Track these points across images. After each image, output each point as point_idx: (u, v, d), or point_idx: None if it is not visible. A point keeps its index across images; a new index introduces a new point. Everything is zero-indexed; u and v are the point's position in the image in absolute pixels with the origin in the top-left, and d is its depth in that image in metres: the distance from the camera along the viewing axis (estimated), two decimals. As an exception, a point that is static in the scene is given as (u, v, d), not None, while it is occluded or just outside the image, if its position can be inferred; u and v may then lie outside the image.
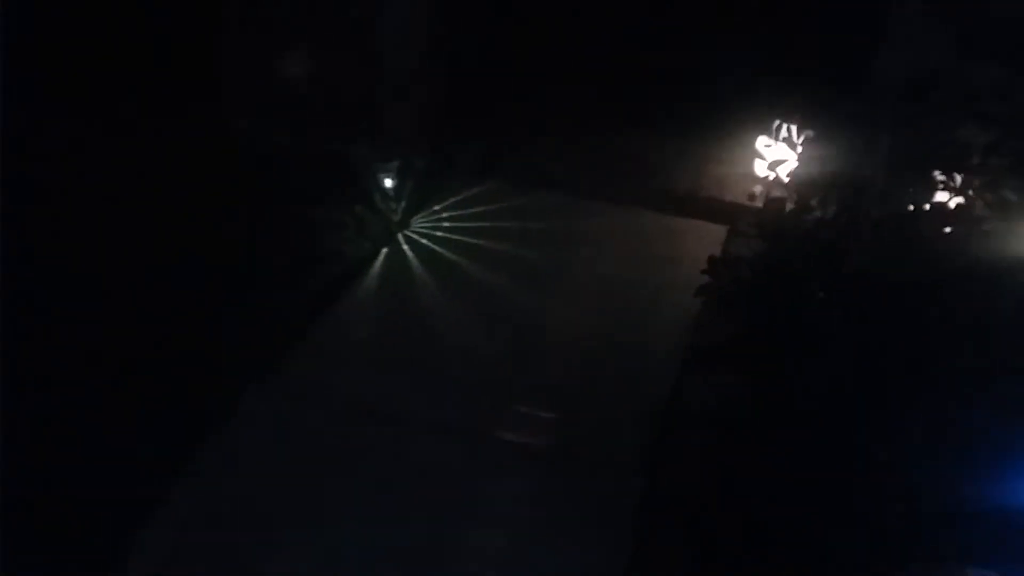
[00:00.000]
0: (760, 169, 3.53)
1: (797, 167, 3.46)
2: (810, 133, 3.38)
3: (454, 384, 2.89)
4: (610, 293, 3.31)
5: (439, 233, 3.51)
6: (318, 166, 3.49)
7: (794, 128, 3.38)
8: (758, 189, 3.68)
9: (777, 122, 3.40)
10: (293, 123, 3.67)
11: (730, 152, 3.83)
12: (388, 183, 3.43)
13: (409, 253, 3.40)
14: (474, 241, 3.46)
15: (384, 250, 3.40)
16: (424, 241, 3.46)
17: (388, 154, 3.55)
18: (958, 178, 2.60)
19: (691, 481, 2.77)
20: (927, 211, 2.64)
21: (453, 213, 3.62)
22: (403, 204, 3.56)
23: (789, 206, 3.55)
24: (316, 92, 3.65)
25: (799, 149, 3.41)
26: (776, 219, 3.00)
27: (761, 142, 3.49)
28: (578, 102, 4.10)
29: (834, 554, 2.38)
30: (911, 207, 2.68)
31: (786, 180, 3.49)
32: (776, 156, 3.45)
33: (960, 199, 2.62)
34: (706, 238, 3.57)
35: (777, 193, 3.55)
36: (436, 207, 3.66)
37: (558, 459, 2.70)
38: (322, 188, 3.45)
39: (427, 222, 3.58)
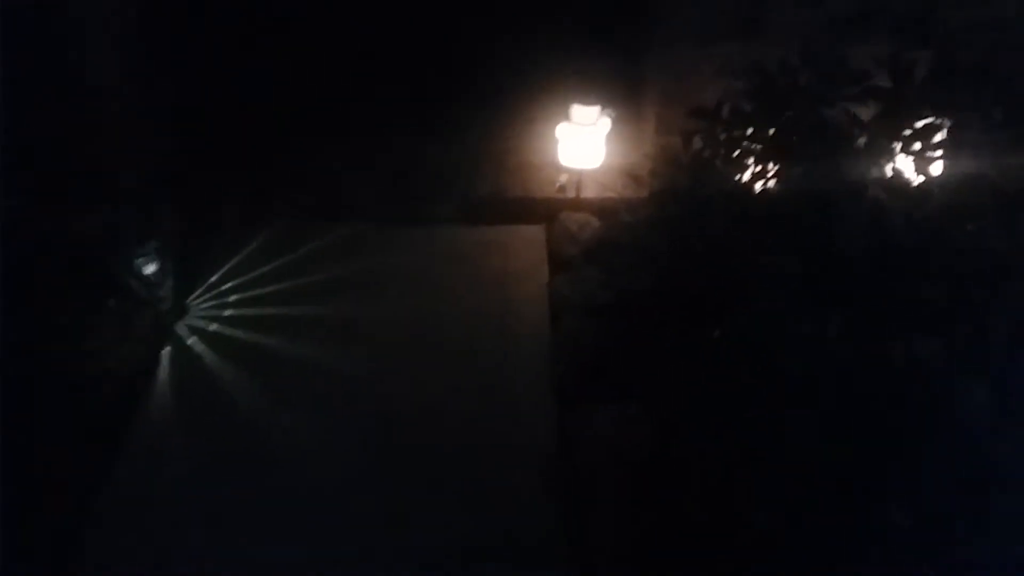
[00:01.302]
0: (565, 158, 3.28)
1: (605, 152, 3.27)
2: (612, 113, 3.17)
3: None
4: (450, 333, 2.89)
5: (228, 311, 2.92)
6: (50, 268, 2.77)
7: (595, 109, 3.14)
8: (564, 178, 3.45)
9: (575, 106, 3.14)
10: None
11: (527, 144, 3.54)
12: (149, 268, 2.78)
13: (196, 347, 2.78)
14: (273, 310, 2.91)
15: (165, 351, 2.78)
16: (211, 327, 2.86)
17: (139, 233, 2.90)
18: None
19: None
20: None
21: (238, 279, 3.04)
22: (172, 286, 2.93)
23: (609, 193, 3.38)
24: (32, 170, 2.89)
25: (604, 131, 3.20)
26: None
27: (561, 130, 3.22)
28: (346, 120, 3.62)
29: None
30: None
31: (595, 166, 3.29)
32: (580, 141, 3.22)
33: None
34: (526, 242, 3.28)
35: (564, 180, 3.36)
36: (214, 277, 3.06)
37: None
38: (62, 298, 2.74)
39: (208, 300, 2.97)
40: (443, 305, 3.00)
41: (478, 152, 3.61)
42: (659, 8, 2.98)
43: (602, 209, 3.32)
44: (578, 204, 3.33)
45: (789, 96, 2.24)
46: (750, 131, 2.38)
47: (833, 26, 2.94)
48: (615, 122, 3.22)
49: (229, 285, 3.02)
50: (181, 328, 2.85)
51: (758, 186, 2.64)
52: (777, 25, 2.90)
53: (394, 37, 3.67)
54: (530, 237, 3.30)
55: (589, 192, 3.36)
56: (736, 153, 2.46)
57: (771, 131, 2.44)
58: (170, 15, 3.37)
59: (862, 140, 2.32)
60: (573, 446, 2.59)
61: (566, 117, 3.21)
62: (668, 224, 2.97)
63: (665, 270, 2.89)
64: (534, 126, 3.51)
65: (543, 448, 2.58)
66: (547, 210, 3.36)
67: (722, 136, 2.42)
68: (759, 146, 2.44)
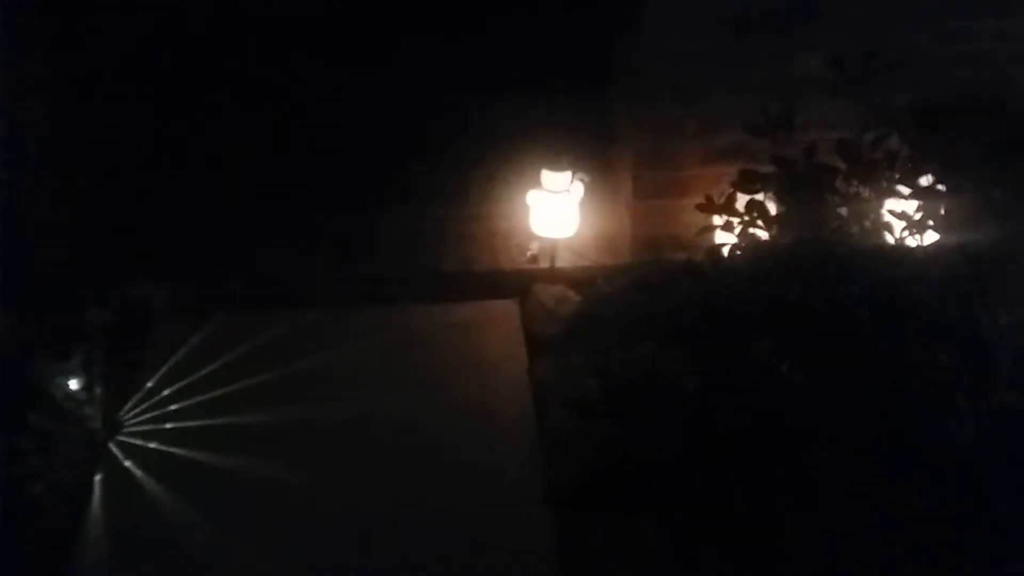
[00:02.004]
0: (536, 227, 3.03)
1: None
2: (585, 177, 2.94)
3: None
4: (423, 432, 2.59)
5: (168, 423, 2.57)
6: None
7: (566, 175, 2.90)
8: (535, 247, 3.20)
9: (545, 171, 2.90)
10: None
11: (495, 213, 3.29)
12: (73, 384, 2.42)
13: (134, 471, 2.43)
14: (223, 418, 2.57)
15: (97, 478, 2.42)
16: (150, 444, 2.50)
17: (59, 336, 2.54)
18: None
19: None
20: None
21: (179, 383, 2.69)
22: (101, 397, 2.57)
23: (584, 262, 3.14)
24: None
25: (578, 197, 2.96)
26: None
27: (531, 197, 2.98)
28: (293, 192, 3.32)
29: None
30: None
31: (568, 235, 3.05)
32: (552, 208, 2.97)
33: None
34: (499, 320, 3.00)
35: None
36: (150, 383, 2.71)
37: None
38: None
39: (145, 412, 2.61)
40: (412, 399, 2.69)
41: (441, 223, 3.35)
42: (634, 64, 2.76)
43: (578, 279, 3.08)
44: (552, 275, 3.08)
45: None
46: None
47: (811, 82, 2.77)
48: (588, 187, 2.99)
49: (168, 391, 2.67)
50: (115, 448, 2.50)
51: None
52: (759, 79, 2.71)
53: (346, 97, 3.40)
54: (503, 314, 3.03)
55: (563, 262, 3.12)
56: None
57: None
58: (94, 93, 3.05)
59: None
60: (573, 562, 2.32)
61: (536, 183, 2.97)
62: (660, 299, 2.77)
63: (657, 350, 2.67)
64: (502, 193, 3.27)
65: (539, 565, 2.31)
66: (519, 283, 3.11)
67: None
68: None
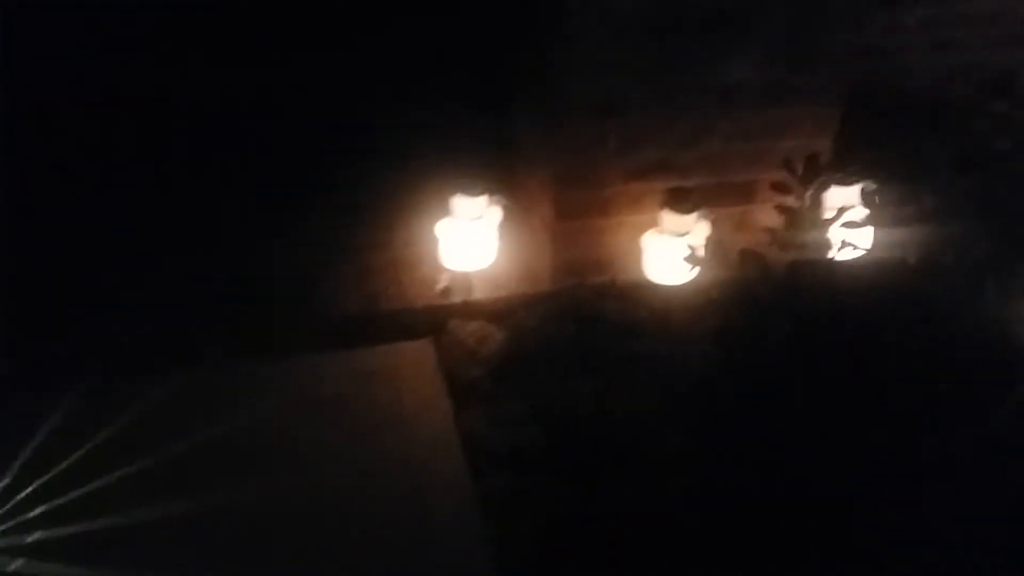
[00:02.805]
0: (449, 259, 2.74)
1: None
2: (503, 201, 2.67)
3: None
4: (343, 508, 2.24)
5: (35, 533, 2.11)
6: None
7: (481, 200, 2.63)
8: (446, 279, 2.91)
9: (457, 197, 2.62)
10: None
11: (401, 246, 2.97)
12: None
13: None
14: (103, 520, 2.14)
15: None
16: (13, 565, 2.05)
17: None
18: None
19: None
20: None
21: (43, 476, 2.23)
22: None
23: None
24: None
25: (495, 223, 2.70)
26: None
27: (442, 227, 2.68)
28: (171, 230, 2.90)
29: None
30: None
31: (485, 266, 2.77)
32: (466, 237, 2.69)
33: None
34: (414, 365, 2.69)
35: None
36: (6, 479, 2.24)
37: None
38: None
39: (2, 521, 2.17)
40: (325, 470, 2.35)
41: (339, 258, 3.01)
42: (551, 78, 2.51)
43: (497, 312, 2.82)
44: (468, 309, 2.81)
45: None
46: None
47: (737, 90, 2.61)
48: (507, 211, 2.73)
49: (30, 490, 2.23)
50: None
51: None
52: (691, 90, 2.53)
53: (235, 116, 2.99)
54: (417, 357, 2.73)
55: (479, 293, 2.85)
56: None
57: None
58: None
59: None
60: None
61: (446, 211, 2.68)
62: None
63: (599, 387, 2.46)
64: (408, 224, 2.97)
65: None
66: (431, 320, 2.82)
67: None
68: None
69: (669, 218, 2.52)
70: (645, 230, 2.74)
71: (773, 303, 2.59)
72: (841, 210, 2.55)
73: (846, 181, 2.56)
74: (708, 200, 2.65)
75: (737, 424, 2.31)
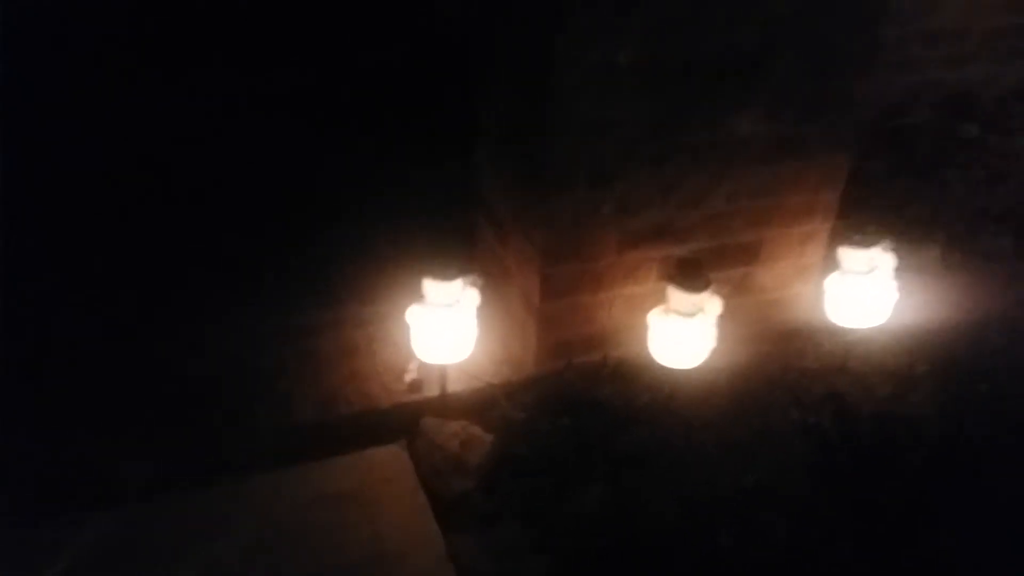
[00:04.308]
0: (422, 351, 2.35)
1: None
2: (478, 281, 2.30)
3: None
4: None
5: None
6: None
7: (455, 284, 2.25)
8: (414, 368, 2.52)
9: (428, 281, 2.23)
10: None
11: (364, 339, 2.56)
12: None
13: None
14: None
15: None
16: None
17: None
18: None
19: None
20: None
21: None
22: None
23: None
24: None
25: (472, 307, 2.32)
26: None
27: (412, 314, 2.30)
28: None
29: None
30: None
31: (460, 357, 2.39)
32: (439, 325, 2.31)
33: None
34: (384, 479, 2.28)
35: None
36: None
37: None
38: None
39: None
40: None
41: (288, 351, 2.58)
42: (539, 138, 2.15)
43: (477, 405, 2.45)
44: (444, 404, 2.43)
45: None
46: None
47: (743, 146, 2.33)
48: (484, 291, 2.36)
49: None
50: None
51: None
52: (694, 148, 2.22)
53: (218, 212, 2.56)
54: (390, 468, 2.31)
55: (454, 383, 2.48)
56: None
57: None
58: None
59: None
60: None
61: (418, 297, 2.30)
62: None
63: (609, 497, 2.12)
64: (371, 314, 2.56)
65: None
66: (400, 420, 2.43)
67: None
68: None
69: (678, 297, 2.21)
70: (640, 302, 2.43)
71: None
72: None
73: (864, 243, 2.32)
74: (708, 264, 2.36)
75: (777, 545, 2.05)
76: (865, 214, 2.59)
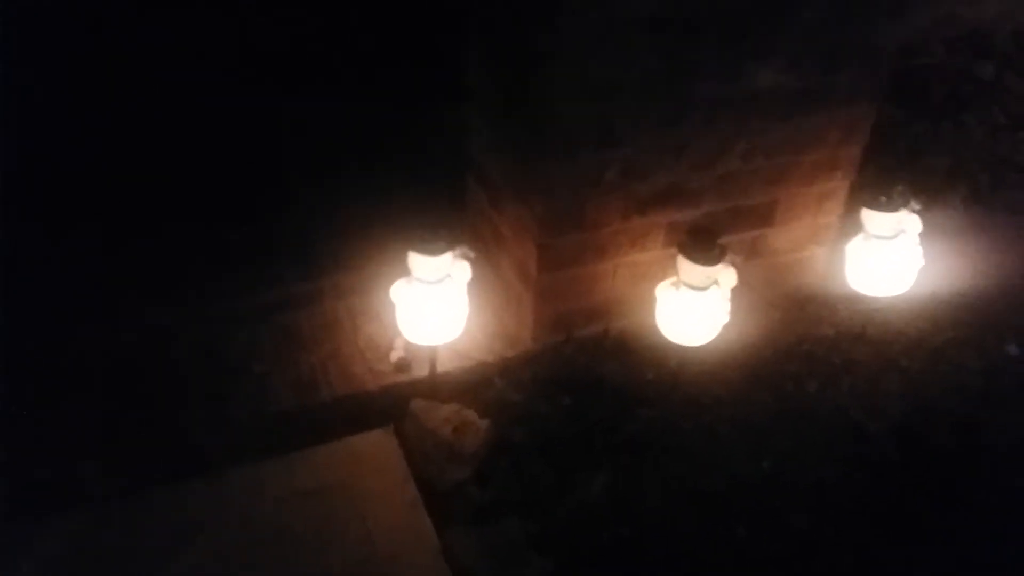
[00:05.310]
0: (409, 331, 2.16)
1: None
2: (470, 253, 2.09)
3: None
4: None
5: None
6: None
7: (444, 258, 2.04)
8: (400, 346, 2.33)
9: (414, 255, 2.03)
10: None
11: (345, 319, 2.36)
12: None
13: None
14: None
15: None
16: None
17: None
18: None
19: None
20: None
21: None
22: None
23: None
24: None
25: (464, 281, 2.12)
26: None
27: (397, 290, 2.10)
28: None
29: None
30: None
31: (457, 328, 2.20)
32: (428, 303, 2.11)
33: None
34: (372, 469, 2.11)
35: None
36: None
37: None
38: None
39: None
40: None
41: (263, 333, 2.37)
42: (538, 98, 1.92)
43: (471, 386, 2.27)
44: (434, 386, 2.26)
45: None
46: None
47: (770, 99, 2.10)
48: (476, 262, 2.16)
49: None
50: None
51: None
52: (707, 104, 2.00)
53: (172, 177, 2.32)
54: (376, 457, 2.14)
55: (445, 363, 2.30)
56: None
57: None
58: None
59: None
60: None
61: (404, 270, 2.09)
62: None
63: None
64: (353, 283, 2.36)
65: None
66: (388, 403, 2.25)
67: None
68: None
69: (689, 269, 2.03)
70: (645, 270, 2.25)
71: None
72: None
73: (891, 206, 2.13)
74: (720, 228, 2.17)
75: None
76: (882, 167, 2.39)
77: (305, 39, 2.81)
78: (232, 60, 2.73)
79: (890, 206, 2.15)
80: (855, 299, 2.40)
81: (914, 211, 2.17)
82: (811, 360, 2.34)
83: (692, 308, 2.09)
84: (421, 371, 2.29)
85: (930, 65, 3.49)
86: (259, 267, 2.50)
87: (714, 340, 2.20)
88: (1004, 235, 2.69)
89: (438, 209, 2.38)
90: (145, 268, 2.48)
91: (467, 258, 2.14)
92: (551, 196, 2.03)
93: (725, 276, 2.08)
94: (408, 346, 2.31)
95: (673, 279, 2.11)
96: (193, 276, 2.47)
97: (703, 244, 2.04)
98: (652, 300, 2.20)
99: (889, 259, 2.23)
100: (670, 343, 2.24)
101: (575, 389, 2.26)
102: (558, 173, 1.98)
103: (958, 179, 2.80)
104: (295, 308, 2.45)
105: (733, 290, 2.15)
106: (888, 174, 2.45)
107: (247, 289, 2.47)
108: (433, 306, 2.11)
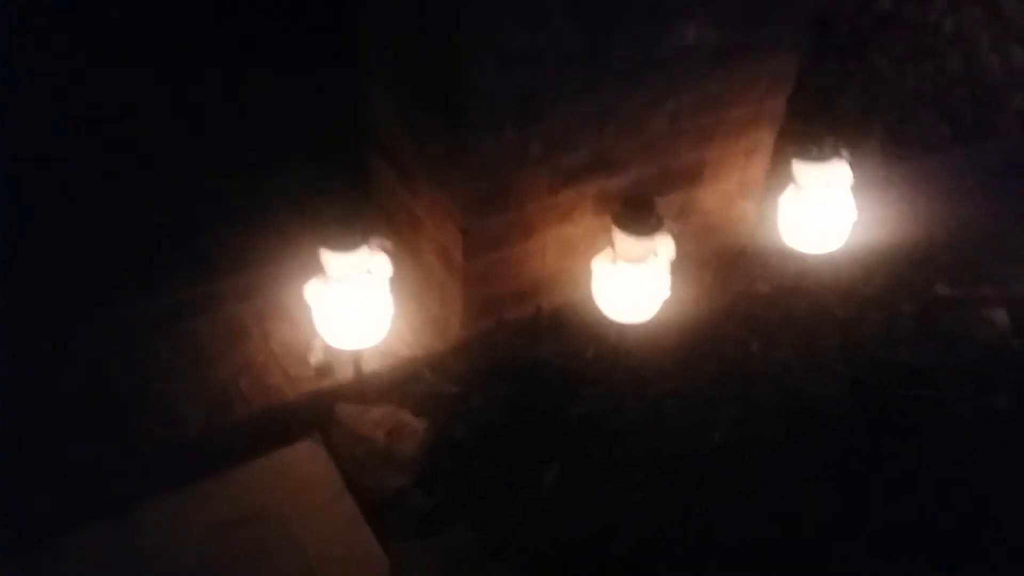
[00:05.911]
0: (329, 333, 1.98)
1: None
2: (388, 245, 1.92)
3: None
4: None
5: None
6: None
7: (359, 254, 1.86)
8: (319, 347, 2.14)
9: (326, 252, 1.84)
10: None
11: (257, 324, 2.15)
12: None
13: None
14: None
15: None
16: None
17: None
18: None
19: None
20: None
21: None
22: None
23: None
24: None
25: (385, 276, 1.95)
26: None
27: (312, 290, 1.91)
28: None
29: None
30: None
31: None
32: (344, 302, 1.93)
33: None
34: (306, 484, 1.95)
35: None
36: None
37: None
38: None
39: None
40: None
41: (166, 349, 2.13)
42: (452, 73, 1.74)
43: (398, 385, 2.11)
44: (361, 388, 2.09)
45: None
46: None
47: (684, 58, 1.98)
48: (395, 256, 1.98)
49: None
50: None
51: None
52: (631, 68, 1.86)
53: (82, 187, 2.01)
54: (306, 471, 1.98)
55: (370, 361, 2.13)
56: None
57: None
58: None
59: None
60: None
61: (315, 265, 1.90)
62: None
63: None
64: (256, 282, 2.14)
65: None
66: (311, 411, 2.07)
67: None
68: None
69: (626, 242, 1.91)
70: (575, 244, 2.13)
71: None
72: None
73: (820, 156, 2.07)
74: (650, 192, 2.06)
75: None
76: (796, 112, 2.32)
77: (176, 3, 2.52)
78: (90, 28, 2.39)
79: (821, 156, 2.09)
80: (787, 253, 2.36)
81: (845, 159, 2.13)
82: (750, 320, 2.29)
83: (632, 284, 1.99)
84: (345, 373, 2.12)
85: (828, 2, 3.46)
86: (145, 269, 2.27)
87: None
88: (922, 176, 2.70)
89: (342, 192, 2.20)
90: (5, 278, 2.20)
91: (386, 250, 1.97)
92: (473, 176, 1.87)
93: (663, 246, 1.99)
94: (328, 347, 2.14)
95: (609, 252, 2.01)
96: (69, 284, 2.22)
97: (638, 214, 1.93)
98: (586, 274, 2.10)
99: (822, 212, 2.19)
100: (607, 318, 2.15)
101: (513, 376, 2.14)
102: (479, 152, 1.82)
103: (872, 120, 2.79)
104: (193, 315, 2.23)
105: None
106: (804, 120, 2.40)
107: (134, 296, 2.23)
108: (353, 307, 1.94)
